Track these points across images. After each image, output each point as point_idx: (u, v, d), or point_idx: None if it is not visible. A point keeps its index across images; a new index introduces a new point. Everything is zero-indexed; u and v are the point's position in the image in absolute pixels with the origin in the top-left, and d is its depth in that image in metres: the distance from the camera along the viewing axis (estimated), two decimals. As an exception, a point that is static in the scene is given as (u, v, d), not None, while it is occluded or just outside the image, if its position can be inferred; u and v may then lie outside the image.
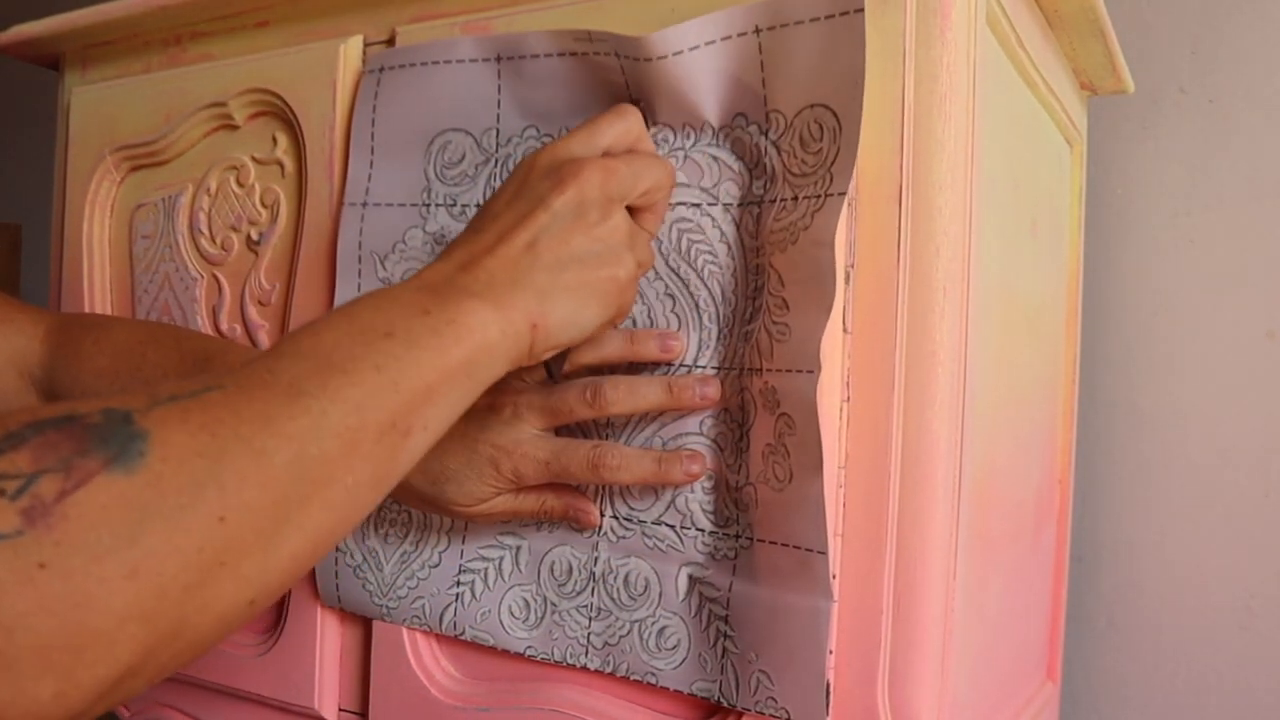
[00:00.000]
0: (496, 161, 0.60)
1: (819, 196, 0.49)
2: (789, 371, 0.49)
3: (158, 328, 0.61)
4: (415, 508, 0.57)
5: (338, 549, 0.63)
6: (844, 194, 0.48)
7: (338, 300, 0.64)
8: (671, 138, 0.55)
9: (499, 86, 0.59)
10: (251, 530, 0.33)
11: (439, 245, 0.61)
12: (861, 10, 0.48)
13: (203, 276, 0.73)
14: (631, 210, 0.51)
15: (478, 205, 0.60)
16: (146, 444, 0.32)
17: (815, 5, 0.49)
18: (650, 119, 0.55)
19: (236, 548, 0.33)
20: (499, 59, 0.58)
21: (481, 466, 0.52)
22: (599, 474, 0.52)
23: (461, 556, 0.60)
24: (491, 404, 0.53)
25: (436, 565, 0.61)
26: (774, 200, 0.51)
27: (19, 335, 0.59)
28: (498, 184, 0.59)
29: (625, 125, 0.51)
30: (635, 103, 0.55)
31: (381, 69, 0.63)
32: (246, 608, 0.34)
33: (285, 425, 0.35)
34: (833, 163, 0.49)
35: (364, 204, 0.63)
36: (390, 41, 0.65)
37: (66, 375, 0.59)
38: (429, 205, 0.61)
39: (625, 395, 0.52)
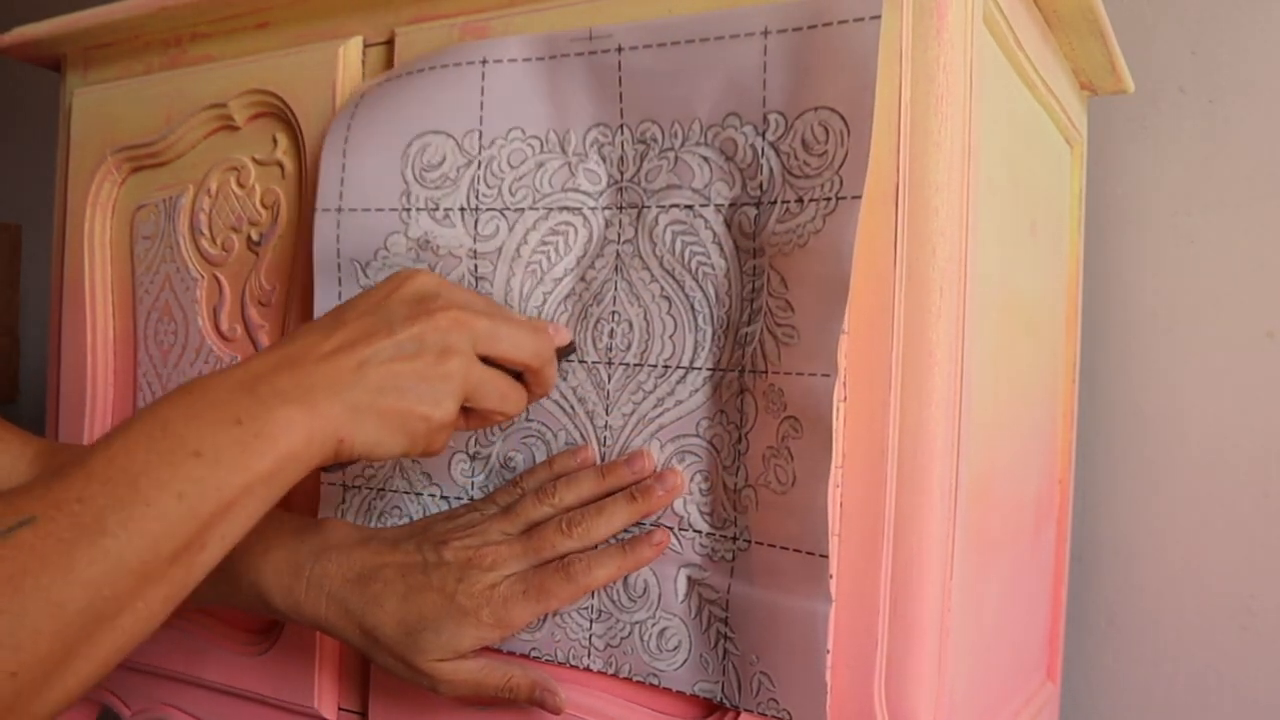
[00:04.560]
0: (480, 164, 0.59)
1: (829, 199, 0.49)
2: (799, 374, 0.49)
3: None
4: (381, 664, 0.56)
5: None
6: (858, 197, 0.48)
7: (316, 308, 0.63)
8: (660, 136, 0.55)
9: (482, 89, 0.59)
10: (41, 675, 0.37)
11: (423, 251, 0.60)
12: (878, 17, 0.48)
13: (203, 277, 0.73)
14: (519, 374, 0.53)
15: (461, 209, 0.60)
16: None
17: (830, 10, 0.49)
18: (644, 113, 0.55)
19: (26, 693, 0.36)
20: (484, 62, 0.59)
21: (460, 617, 0.53)
22: (575, 580, 0.53)
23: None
24: (471, 559, 0.54)
25: None
26: (774, 202, 0.51)
27: (5, 454, 0.59)
28: (482, 186, 0.59)
29: (532, 340, 0.52)
30: (622, 99, 0.56)
31: (366, 90, 0.63)
32: None
33: (84, 571, 0.38)
34: (840, 166, 0.49)
35: (338, 209, 0.62)
36: (389, 43, 0.65)
37: None
38: (409, 210, 0.60)
39: (595, 518, 0.54)
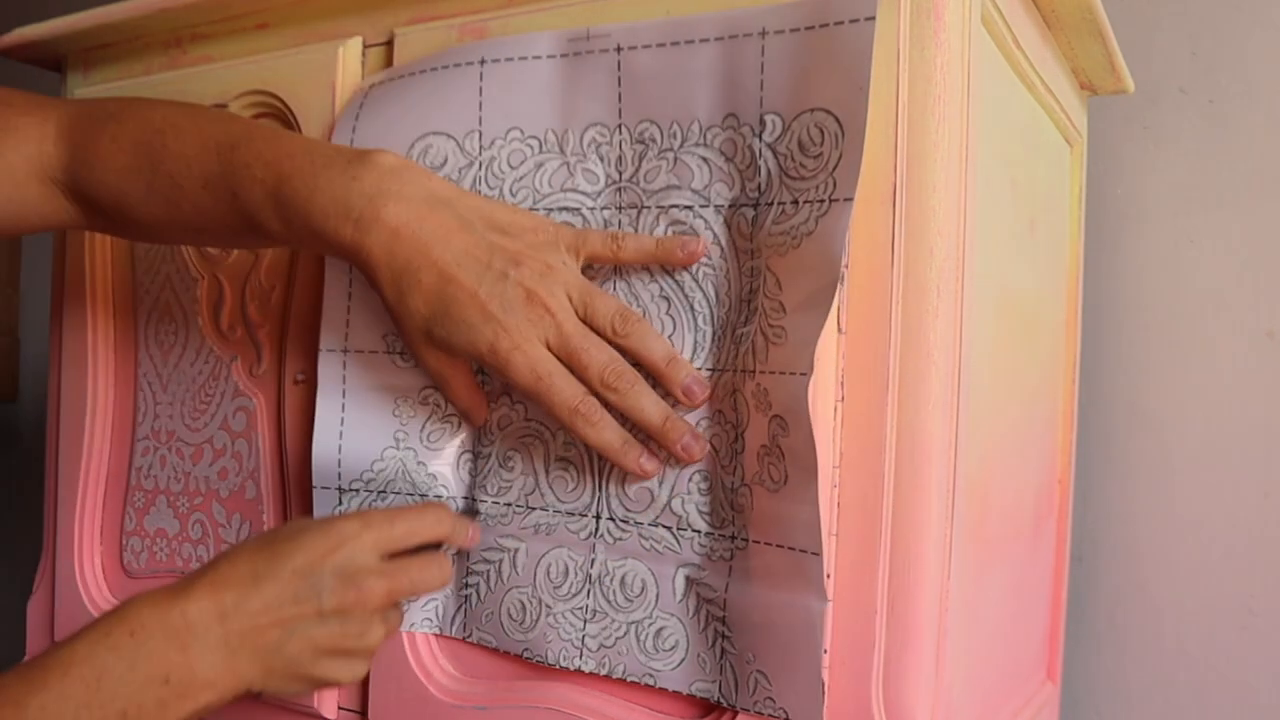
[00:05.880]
0: (481, 164, 0.60)
1: (822, 201, 0.49)
2: (781, 374, 0.49)
3: (174, 111, 0.59)
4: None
5: None
6: (851, 199, 0.48)
7: (326, 306, 0.63)
8: (659, 137, 0.55)
9: (480, 89, 0.59)
10: None
11: None
12: (873, 18, 0.48)
13: (203, 277, 0.73)
14: None
15: None
16: None
17: (826, 11, 0.49)
18: (642, 113, 0.55)
19: None
20: (482, 62, 0.59)
21: (483, 332, 0.52)
22: (576, 421, 0.53)
23: (469, 559, 0.61)
24: (530, 297, 0.52)
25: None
26: (771, 203, 0.52)
27: (28, 143, 0.58)
28: (483, 187, 0.59)
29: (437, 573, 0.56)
30: (621, 99, 0.56)
31: (371, 85, 0.63)
32: None
33: None
34: (835, 168, 0.49)
35: None
36: (388, 44, 0.65)
37: (90, 176, 0.58)
38: None
39: (631, 394, 0.53)
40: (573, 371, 0.53)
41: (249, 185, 0.55)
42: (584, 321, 0.54)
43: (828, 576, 0.50)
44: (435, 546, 0.57)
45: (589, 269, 0.57)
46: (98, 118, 0.59)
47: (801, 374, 0.48)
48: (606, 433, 0.53)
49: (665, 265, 0.54)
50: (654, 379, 0.54)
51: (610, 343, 0.54)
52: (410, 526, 0.55)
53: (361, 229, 0.53)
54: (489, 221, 0.54)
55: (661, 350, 0.54)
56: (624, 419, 0.54)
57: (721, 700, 0.53)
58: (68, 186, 0.59)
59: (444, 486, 0.61)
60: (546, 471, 0.58)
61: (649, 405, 0.53)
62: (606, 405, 0.54)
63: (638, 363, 0.54)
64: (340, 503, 0.63)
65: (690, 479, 0.54)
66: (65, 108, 0.60)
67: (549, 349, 0.53)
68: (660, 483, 0.55)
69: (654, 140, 0.55)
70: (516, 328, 0.52)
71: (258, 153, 0.55)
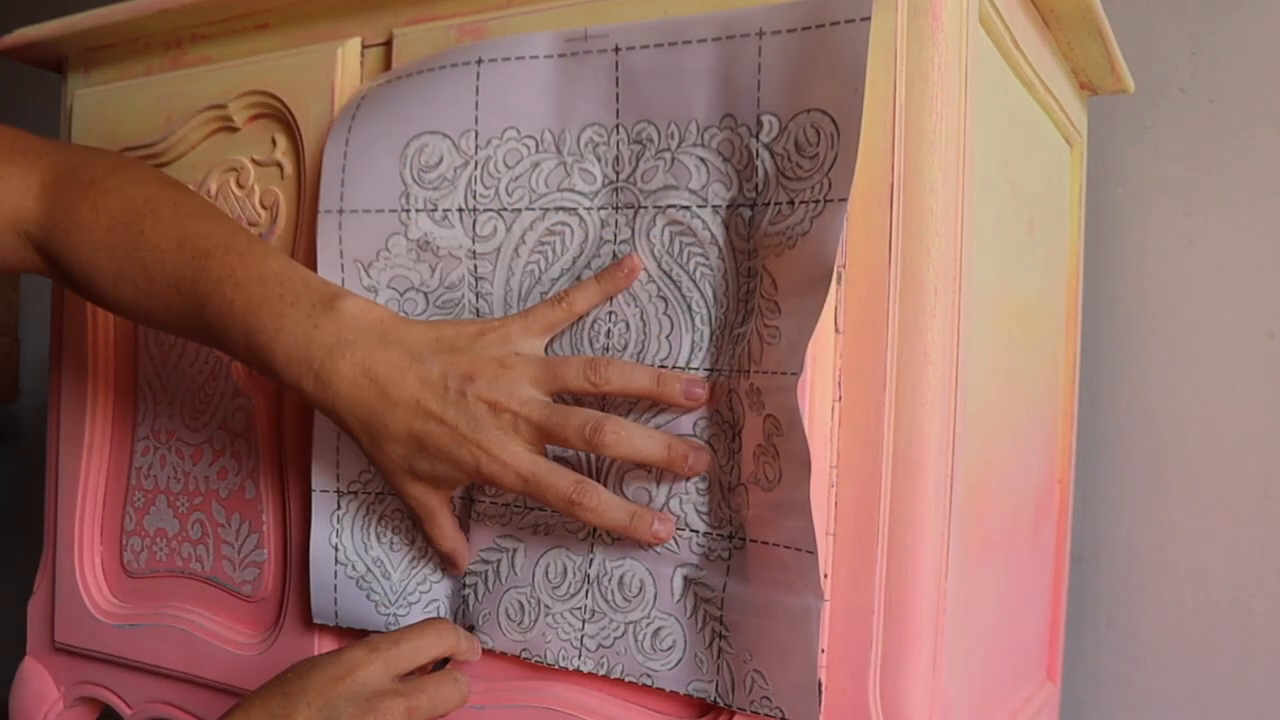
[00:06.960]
0: (477, 164, 0.60)
1: (818, 202, 0.49)
2: (774, 373, 0.49)
3: (158, 193, 0.59)
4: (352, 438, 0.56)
5: (338, 562, 0.63)
6: (845, 200, 0.48)
7: None
8: (656, 137, 0.55)
9: (477, 88, 0.59)
10: None
11: (423, 252, 0.60)
12: (868, 19, 0.48)
13: (203, 278, 0.74)
14: None
15: (459, 209, 0.60)
16: None
17: (822, 12, 0.49)
18: (640, 113, 0.56)
19: None
20: (479, 62, 0.59)
21: (461, 456, 0.53)
22: (575, 511, 0.53)
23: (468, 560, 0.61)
24: (493, 406, 0.53)
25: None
26: (768, 204, 0.52)
27: (11, 193, 0.58)
28: (479, 187, 0.59)
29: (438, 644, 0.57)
30: (619, 99, 0.56)
31: (367, 89, 0.63)
32: None
33: None
34: (830, 168, 0.49)
35: (339, 210, 0.62)
36: (387, 44, 0.65)
37: (64, 242, 0.58)
38: (409, 210, 0.60)
39: (624, 442, 0.52)
40: (560, 449, 0.54)
41: (217, 302, 0.55)
42: (559, 390, 0.54)
43: (825, 576, 0.50)
44: (443, 662, 0.58)
45: (587, 269, 0.57)
46: (82, 181, 0.59)
47: (792, 374, 0.48)
48: (609, 513, 0.53)
49: (612, 295, 0.56)
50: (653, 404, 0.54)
51: (593, 394, 0.54)
52: (415, 645, 0.55)
53: (321, 383, 0.54)
54: (436, 344, 0.55)
55: (645, 376, 0.53)
56: None
57: (718, 700, 0.53)
58: (40, 244, 0.60)
59: None
60: (545, 471, 0.58)
61: (642, 442, 0.53)
62: (602, 460, 0.55)
63: (632, 397, 0.55)
64: (338, 506, 0.63)
65: (689, 479, 0.54)
66: (52, 159, 0.60)
67: (530, 445, 0.54)
68: (658, 483, 0.55)
69: (651, 140, 0.55)
70: (490, 441, 0.53)
71: (231, 269, 0.55)
